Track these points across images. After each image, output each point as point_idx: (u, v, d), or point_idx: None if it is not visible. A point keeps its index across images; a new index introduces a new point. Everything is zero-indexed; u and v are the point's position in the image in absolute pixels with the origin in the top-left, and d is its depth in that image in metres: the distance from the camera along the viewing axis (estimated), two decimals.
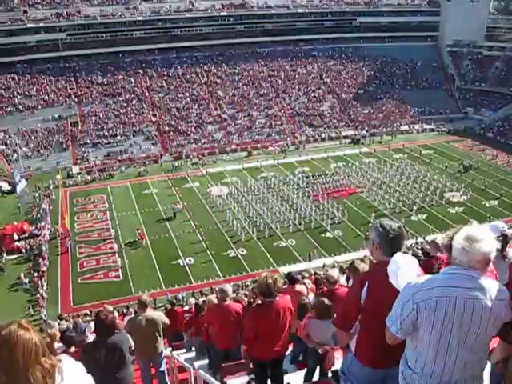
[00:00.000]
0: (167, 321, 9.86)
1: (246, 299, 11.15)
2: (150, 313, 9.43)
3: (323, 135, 76.26)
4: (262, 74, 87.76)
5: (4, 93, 75.61)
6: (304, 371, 8.06)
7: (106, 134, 70.75)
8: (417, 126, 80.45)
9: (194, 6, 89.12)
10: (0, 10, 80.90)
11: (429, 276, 3.60)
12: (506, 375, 3.14)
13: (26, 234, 47.34)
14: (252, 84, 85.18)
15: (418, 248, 20.98)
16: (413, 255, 10.17)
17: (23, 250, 45.10)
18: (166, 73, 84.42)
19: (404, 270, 3.82)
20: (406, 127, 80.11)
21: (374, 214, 48.32)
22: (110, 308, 11.04)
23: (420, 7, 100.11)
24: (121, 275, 41.10)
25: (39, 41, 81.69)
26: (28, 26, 79.93)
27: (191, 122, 75.53)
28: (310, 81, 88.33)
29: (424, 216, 50.19)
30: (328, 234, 46.85)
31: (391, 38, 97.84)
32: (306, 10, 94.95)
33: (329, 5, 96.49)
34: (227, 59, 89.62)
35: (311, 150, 71.08)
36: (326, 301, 7.37)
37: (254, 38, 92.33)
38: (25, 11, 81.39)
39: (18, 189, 57.55)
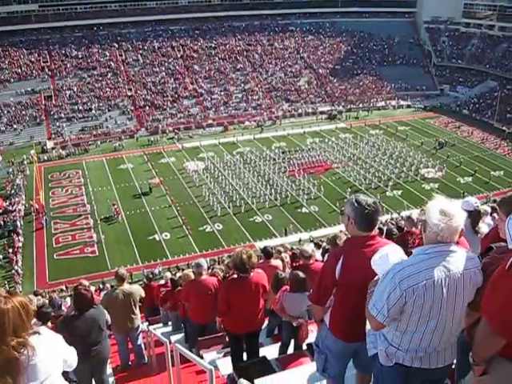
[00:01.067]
0: (143, 293, 9.88)
1: (221, 274, 11.20)
2: (126, 287, 9.44)
3: (300, 110, 76.19)
4: (238, 48, 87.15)
5: None
6: (279, 344, 8.17)
7: (80, 108, 69.79)
8: (393, 102, 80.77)
9: None
10: None
11: (411, 259, 3.55)
12: (472, 344, 3.21)
13: (0, 210, 46.75)
14: (228, 58, 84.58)
15: (392, 224, 21.22)
16: (388, 230, 10.30)
17: None
18: (141, 46, 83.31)
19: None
20: (383, 103, 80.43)
21: (349, 190, 48.65)
22: (86, 283, 10.99)
23: None
24: (97, 251, 40.96)
25: (10, 12, 79.74)
26: None
27: (167, 96, 74.87)
28: (287, 56, 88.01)
29: (399, 192, 50.64)
30: (304, 210, 47.08)
31: (369, 14, 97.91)
32: None
33: None
34: (203, 33, 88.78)
35: (288, 125, 71.03)
36: (301, 274, 7.42)
37: (230, 12, 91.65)
38: None
39: None
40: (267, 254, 9.67)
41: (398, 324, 3.62)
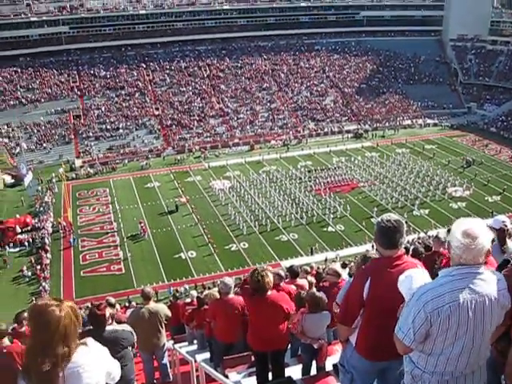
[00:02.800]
0: (169, 313, 9.89)
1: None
2: (152, 305, 9.46)
3: (326, 129, 76.19)
4: (264, 67, 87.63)
5: (7, 86, 75.61)
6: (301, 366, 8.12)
7: (108, 127, 70.80)
8: (420, 121, 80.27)
9: (197, 0, 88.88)
10: (3, 3, 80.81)
11: (436, 281, 3.52)
12: (507, 364, 3.16)
13: (29, 227, 47.42)
14: (254, 78, 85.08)
15: (419, 243, 21.01)
16: (414, 249, 10.20)
17: (26, 243, 45.21)
18: (168, 66, 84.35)
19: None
20: (409, 122, 79.90)
21: (375, 209, 48.32)
22: (113, 300, 11.07)
23: (424, 1, 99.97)
24: (123, 268, 41.24)
25: (42, 34, 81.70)
26: (31, 19, 79.97)
27: (194, 115, 75.50)
28: (312, 75, 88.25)
29: (426, 211, 50.17)
30: (330, 229, 46.90)
31: (394, 32, 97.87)
32: (309, 4, 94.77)
33: None
34: (230, 53, 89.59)
35: (314, 144, 71.03)
36: (317, 293, 7.39)
37: (256, 32, 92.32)
38: (28, 4, 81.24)
39: (27, 181, 57.73)
40: (293, 273, 9.64)
41: (424, 346, 3.57)
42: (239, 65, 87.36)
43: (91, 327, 7.28)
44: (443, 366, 3.54)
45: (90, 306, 33.09)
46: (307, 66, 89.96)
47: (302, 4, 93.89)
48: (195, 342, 13.84)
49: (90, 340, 3.29)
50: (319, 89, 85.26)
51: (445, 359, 3.52)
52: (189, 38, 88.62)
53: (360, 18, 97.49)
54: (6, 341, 6.46)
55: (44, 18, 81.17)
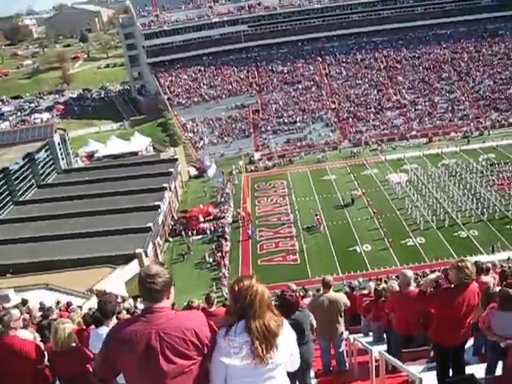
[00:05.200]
0: (348, 303, 10.06)
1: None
2: (332, 293, 9.68)
3: (510, 120, 71.40)
4: (443, 56, 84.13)
5: (192, 84, 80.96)
6: (485, 365, 7.85)
7: (285, 121, 72.69)
8: None
9: None
10: (189, 7, 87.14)
11: None
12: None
13: (211, 217, 50.27)
14: (433, 68, 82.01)
15: None
16: None
17: (208, 232, 48.07)
18: (344, 59, 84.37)
19: None
20: None
21: None
22: (294, 287, 11.46)
23: None
24: (298, 259, 42.15)
25: (223, 34, 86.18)
26: (213, 20, 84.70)
27: (370, 108, 74.81)
28: (495, 62, 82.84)
29: None
30: None
31: None
32: None
33: None
34: (407, 43, 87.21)
35: (497, 135, 66.73)
36: (511, 291, 7.08)
37: (434, 20, 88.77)
38: (210, 7, 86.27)
39: (210, 172, 61.17)
40: (478, 269, 9.33)
41: None
42: (417, 55, 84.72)
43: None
44: None
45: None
46: (489, 52, 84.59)
47: None
48: (371, 333, 13.87)
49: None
50: (503, 77, 79.83)
51: None
52: (365, 30, 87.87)
53: None
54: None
55: (225, 19, 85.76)
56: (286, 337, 3.75)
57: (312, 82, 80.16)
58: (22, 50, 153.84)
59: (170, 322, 3.64)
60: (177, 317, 3.72)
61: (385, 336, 11.81)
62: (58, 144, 61.95)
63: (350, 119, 72.93)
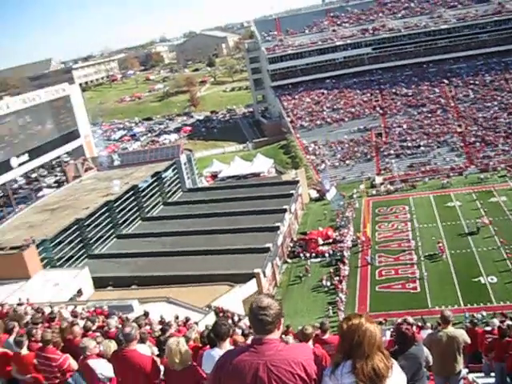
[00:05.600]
0: (469, 340, 9.69)
1: None
2: (451, 329, 9.39)
3: None
4: None
5: (315, 107, 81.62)
6: None
7: (409, 144, 71.28)
8: None
9: (504, 8, 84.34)
10: (313, 31, 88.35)
11: None
12: None
13: (330, 240, 50.14)
14: None
15: None
16: None
17: (326, 255, 47.95)
18: (472, 81, 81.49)
19: None
20: None
21: None
22: (411, 320, 11.22)
23: None
24: (418, 287, 40.88)
25: (346, 57, 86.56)
26: (336, 43, 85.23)
27: (499, 131, 71.51)
28: None
29: None
30: None
31: None
32: None
33: None
34: None
35: None
36: None
37: None
38: (333, 30, 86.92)
39: (329, 196, 61.15)
40: None
41: None
42: None
43: (395, 347, 7.61)
44: None
45: (384, 321, 33.69)
46: None
47: None
48: (492, 374, 13.23)
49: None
50: None
51: None
52: (494, 50, 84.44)
53: None
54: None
55: (348, 42, 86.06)
56: (395, 380, 3.63)
57: (437, 105, 78.08)
58: (154, 75, 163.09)
59: (278, 354, 3.70)
60: (286, 349, 3.77)
61: (508, 380, 11.23)
62: (185, 164, 64.55)
63: (478, 143, 70.03)
